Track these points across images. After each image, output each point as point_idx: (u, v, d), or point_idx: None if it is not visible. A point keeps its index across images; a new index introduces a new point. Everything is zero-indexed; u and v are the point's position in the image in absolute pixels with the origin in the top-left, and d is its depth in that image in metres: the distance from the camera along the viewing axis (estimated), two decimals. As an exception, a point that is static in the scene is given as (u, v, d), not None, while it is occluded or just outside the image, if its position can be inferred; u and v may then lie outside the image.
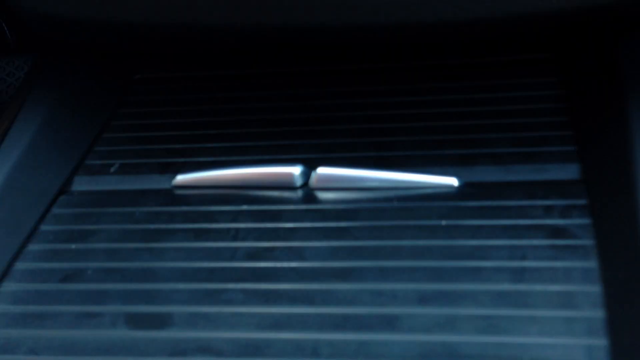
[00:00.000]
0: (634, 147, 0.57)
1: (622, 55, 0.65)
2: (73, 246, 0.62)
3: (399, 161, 0.65)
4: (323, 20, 0.63)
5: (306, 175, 0.65)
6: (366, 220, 0.60)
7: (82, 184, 0.69)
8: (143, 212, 0.65)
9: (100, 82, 0.79)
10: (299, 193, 0.64)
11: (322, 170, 0.64)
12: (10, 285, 0.60)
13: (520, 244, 0.56)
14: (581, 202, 0.58)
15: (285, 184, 0.65)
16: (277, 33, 0.66)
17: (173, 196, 0.66)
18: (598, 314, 0.50)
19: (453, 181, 0.62)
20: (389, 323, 0.52)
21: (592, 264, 0.53)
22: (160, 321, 0.55)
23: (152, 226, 0.63)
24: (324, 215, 0.61)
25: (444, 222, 0.58)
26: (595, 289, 0.52)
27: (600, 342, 0.48)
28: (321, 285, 0.55)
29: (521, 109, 0.68)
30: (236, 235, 0.61)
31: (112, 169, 0.70)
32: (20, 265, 0.61)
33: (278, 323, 0.53)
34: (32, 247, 0.63)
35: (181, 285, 0.57)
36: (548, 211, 0.58)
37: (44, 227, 0.65)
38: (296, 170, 0.65)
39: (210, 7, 0.64)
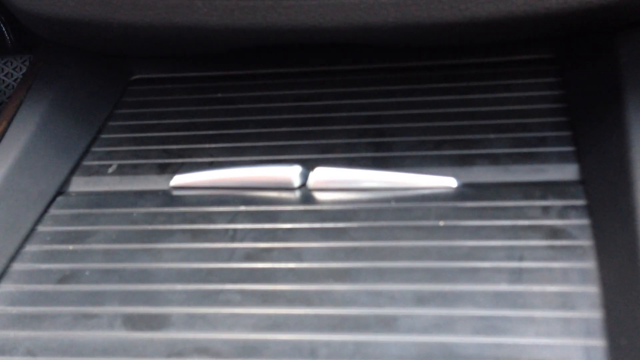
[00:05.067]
0: (632, 147, 0.57)
1: (621, 55, 0.65)
2: (70, 247, 0.62)
3: (397, 162, 0.65)
4: (319, 20, 0.63)
5: (304, 176, 0.65)
6: (364, 221, 0.60)
7: (79, 185, 0.69)
8: (141, 213, 0.65)
9: (98, 83, 0.78)
10: (297, 194, 0.64)
11: (320, 171, 0.64)
12: (7, 286, 0.60)
13: (518, 244, 0.56)
14: (579, 202, 0.58)
15: (283, 185, 0.65)
16: (273, 34, 0.66)
17: (171, 197, 0.66)
18: (596, 314, 0.50)
19: (451, 182, 0.62)
20: (387, 324, 0.52)
21: (590, 264, 0.53)
22: (158, 322, 0.55)
23: (149, 227, 0.63)
24: (322, 216, 0.61)
25: (442, 223, 0.58)
26: (593, 289, 0.52)
27: (598, 343, 0.48)
28: (319, 286, 0.55)
29: (520, 109, 0.68)
30: (234, 236, 0.61)
31: (109, 170, 0.70)
32: (17, 266, 0.61)
33: (276, 324, 0.53)
34: (30, 248, 0.63)
35: (179, 286, 0.57)
36: (546, 212, 0.58)
37: (41, 228, 0.65)
38: (294, 171, 0.64)
39: (206, 8, 0.64)
